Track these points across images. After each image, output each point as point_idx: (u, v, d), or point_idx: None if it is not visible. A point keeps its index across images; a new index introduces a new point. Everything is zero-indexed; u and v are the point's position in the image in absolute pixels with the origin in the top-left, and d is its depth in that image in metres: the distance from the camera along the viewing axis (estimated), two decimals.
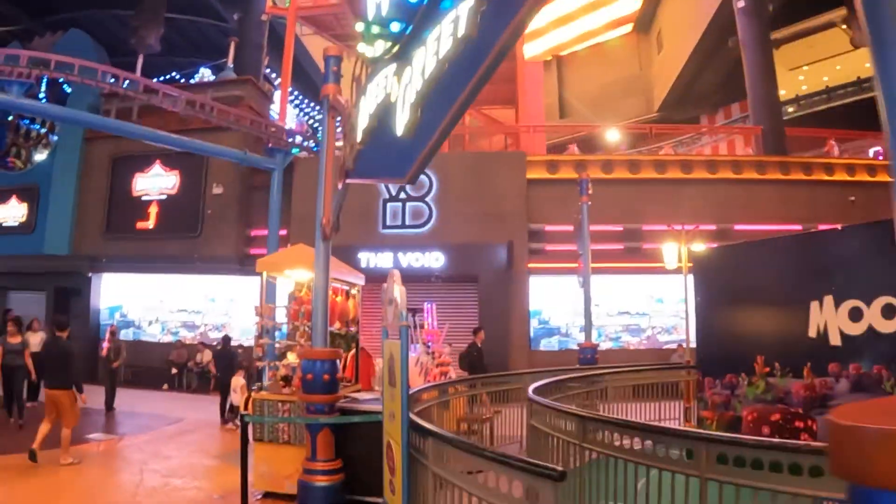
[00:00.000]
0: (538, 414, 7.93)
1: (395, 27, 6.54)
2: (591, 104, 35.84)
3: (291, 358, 10.99)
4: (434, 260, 19.61)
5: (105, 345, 15.62)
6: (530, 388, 8.76)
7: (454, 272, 19.56)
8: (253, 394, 10.38)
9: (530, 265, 20.06)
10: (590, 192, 16.40)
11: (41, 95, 26.79)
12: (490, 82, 5.61)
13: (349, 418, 8.55)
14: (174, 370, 20.64)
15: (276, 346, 11.29)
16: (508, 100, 28.29)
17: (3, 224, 24.55)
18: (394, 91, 6.39)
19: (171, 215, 21.67)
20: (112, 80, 17.66)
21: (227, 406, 14.50)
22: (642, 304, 20.82)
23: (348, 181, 8.40)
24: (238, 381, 12.98)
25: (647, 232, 19.89)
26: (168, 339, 21.46)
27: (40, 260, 22.79)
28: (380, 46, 6.91)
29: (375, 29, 7.33)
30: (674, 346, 19.39)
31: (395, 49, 6.67)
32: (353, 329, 11.88)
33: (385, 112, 6.69)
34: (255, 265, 19.88)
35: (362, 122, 7.52)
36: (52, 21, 29.04)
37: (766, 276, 8.96)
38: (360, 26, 7.62)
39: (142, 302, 21.99)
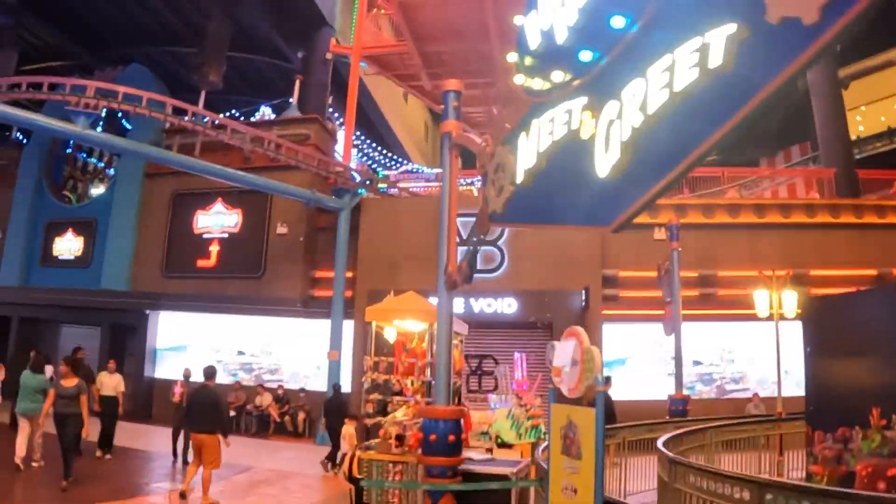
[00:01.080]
0: (680, 474, 7.29)
1: (586, 56, 5.92)
2: None
3: (400, 415, 10.43)
4: (507, 306, 19.06)
5: (178, 389, 14.64)
6: (660, 442, 8.22)
7: (527, 319, 18.98)
8: (360, 453, 9.82)
9: (604, 312, 19.43)
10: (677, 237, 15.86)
11: (99, 130, 26.77)
12: None
13: (485, 484, 7.94)
14: (232, 413, 20.08)
15: (371, 397, 10.74)
16: None
17: (59, 257, 24.36)
18: (586, 127, 5.81)
19: (233, 254, 21.29)
20: (176, 115, 17.51)
21: (335, 454, 14.07)
22: (715, 352, 20.11)
23: (494, 226, 7.77)
24: (349, 429, 12.29)
25: (721, 278, 19.28)
26: (227, 380, 20.89)
27: (97, 295, 22.49)
28: (556, 77, 6.35)
29: (528, 60, 6.83)
30: (742, 395, 18.87)
31: (577, 81, 6.09)
32: (457, 381, 11.22)
33: (568, 151, 6.11)
34: (319, 307, 19.77)
35: (523, 161, 6.95)
36: (108, 56, 29.13)
37: (881, 324, 8.42)
38: (512, 57, 7.11)
39: (199, 342, 21.50)
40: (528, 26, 6.83)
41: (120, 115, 23.43)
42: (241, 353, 21.36)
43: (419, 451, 9.51)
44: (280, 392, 20.20)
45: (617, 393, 19.55)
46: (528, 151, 6.85)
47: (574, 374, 5.45)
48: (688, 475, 6.98)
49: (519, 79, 6.92)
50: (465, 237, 19.28)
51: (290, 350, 20.78)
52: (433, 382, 10.23)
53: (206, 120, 18.03)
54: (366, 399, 10.48)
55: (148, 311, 21.80)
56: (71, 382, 10.96)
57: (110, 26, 30.03)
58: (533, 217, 7.65)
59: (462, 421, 9.05)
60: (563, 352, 5.63)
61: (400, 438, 9.92)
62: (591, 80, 5.79)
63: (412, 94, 25.74)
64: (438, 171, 24.80)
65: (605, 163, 5.31)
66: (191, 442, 10.81)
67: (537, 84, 6.59)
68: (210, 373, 11.17)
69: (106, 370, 14.44)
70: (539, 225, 7.70)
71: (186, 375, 15.10)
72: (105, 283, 22.47)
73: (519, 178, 7.02)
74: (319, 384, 19.65)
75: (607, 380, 14.21)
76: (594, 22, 5.94)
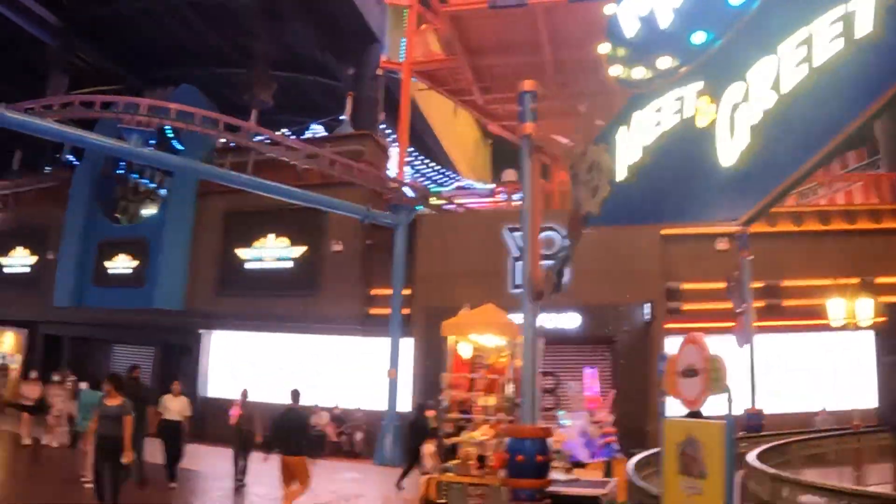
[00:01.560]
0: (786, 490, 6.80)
1: (699, 38, 5.51)
2: None
3: (478, 435, 10.02)
4: (569, 321, 18.61)
5: (234, 412, 13.96)
6: (750, 456, 7.73)
7: (589, 334, 18.52)
8: (438, 475, 9.43)
9: (667, 325, 18.89)
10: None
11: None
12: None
13: None
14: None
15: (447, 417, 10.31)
16: None
17: (112, 277, 24.37)
18: (703, 114, 5.39)
19: (288, 272, 21.10)
20: (229, 132, 17.44)
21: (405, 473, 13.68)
22: (781, 364, 19.45)
23: (588, 229, 7.32)
24: (430, 447, 11.89)
25: (786, 288, 18.69)
26: (280, 399, 20.61)
27: (150, 314, 22.43)
28: (662, 63, 5.93)
29: (622, 51, 6.47)
30: (808, 409, 18.32)
31: (687, 67, 5.67)
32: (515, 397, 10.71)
33: (681, 141, 5.69)
34: (376, 324, 19.45)
35: (624, 157, 6.53)
36: (156, 79, 29.32)
37: None
38: (604, 48, 6.76)
39: (253, 361, 21.28)
40: (623, 14, 6.46)
41: (171, 135, 23.55)
42: (296, 371, 21.07)
43: (502, 472, 9.10)
44: (337, 411, 19.90)
45: (681, 409, 18.96)
46: (630, 146, 6.47)
47: (695, 384, 5.05)
48: (795, 492, 6.49)
49: (615, 70, 6.54)
50: (518, 251, 19.12)
51: (346, 368, 20.47)
52: (517, 399, 9.84)
53: (259, 138, 17.85)
54: (445, 418, 10.04)
55: (201, 331, 21.69)
56: (115, 402, 9.75)
57: (157, 49, 30.29)
58: (636, 217, 7.25)
59: (550, 440, 8.65)
60: (686, 358, 5.19)
61: (481, 459, 9.52)
62: (706, 63, 5.39)
63: (464, 109, 25.45)
64: (491, 186, 24.57)
65: (730, 150, 4.91)
66: (280, 464, 10.56)
67: (638, 73, 6.22)
68: (296, 395, 11.18)
69: (170, 392, 13.36)
70: (644, 224, 7.30)
71: (244, 396, 14.57)
72: (158, 302, 22.38)
73: (620, 176, 6.63)
74: (376, 403, 19.33)
75: None
76: (706, 1, 5.57)
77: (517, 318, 18.33)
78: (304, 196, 18.41)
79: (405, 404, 18.74)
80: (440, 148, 29.22)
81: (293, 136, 24.76)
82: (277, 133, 22.61)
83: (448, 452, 10.11)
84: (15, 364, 26.41)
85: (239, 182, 18.18)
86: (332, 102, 27.46)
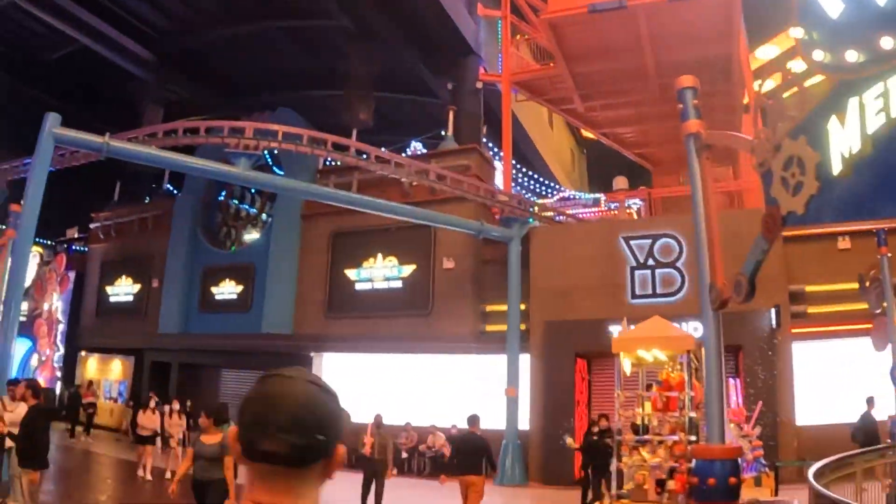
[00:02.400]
0: None
1: None
2: None
3: (647, 456, 9.39)
4: (693, 330, 17.67)
5: (368, 439, 13.03)
6: None
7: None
8: (613, 502, 8.81)
9: (793, 330, 17.88)
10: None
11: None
12: None
13: None
14: (404, 454, 19.41)
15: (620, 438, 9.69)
16: (724, 157, 26.42)
17: (218, 303, 24.48)
18: None
19: (399, 292, 20.75)
20: (337, 151, 17.25)
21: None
22: None
23: (785, 231, 6.65)
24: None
25: None
26: (396, 421, 20.19)
27: (258, 339, 22.39)
28: (886, 43, 5.33)
29: (819, 34, 5.88)
30: None
31: None
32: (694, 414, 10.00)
33: None
34: (491, 341, 18.92)
35: (839, 149, 5.88)
36: (250, 106, 29.55)
37: None
38: (797, 32, 6.18)
39: (366, 383, 20.95)
40: None
41: (270, 162, 23.63)
42: (409, 392, 20.69)
43: (684, 497, 8.47)
44: (454, 431, 19.38)
45: (808, 417, 17.85)
46: (847, 136, 5.81)
47: None
48: None
49: (817, 55, 5.97)
50: (639, 260, 18.40)
51: (461, 388, 19.94)
52: (693, 417, 9.19)
53: (366, 157, 17.62)
54: (624, 441, 9.40)
55: (312, 354, 21.50)
56: (213, 439, 8.25)
57: (249, 76, 30.63)
58: (856, 213, 6.56)
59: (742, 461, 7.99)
60: None
61: (661, 483, 8.89)
62: None
63: (564, 118, 24.93)
64: (596, 195, 23.90)
65: None
66: (459, 484, 10.94)
67: (851, 56, 5.62)
68: (473, 420, 11.71)
69: None
70: (865, 222, 6.63)
71: (378, 423, 13.82)
72: (266, 326, 22.33)
73: (835, 169, 5.97)
74: (494, 422, 18.76)
75: (870, 400, 12.75)
76: None
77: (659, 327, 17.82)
78: (416, 213, 18.08)
79: (524, 422, 18.19)
80: (539, 159, 28.70)
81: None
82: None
83: (621, 477, 9.50)
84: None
85: (349, 201, 17.95)
86: (429, 120, 27.19)
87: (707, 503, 7.31)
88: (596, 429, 12.78)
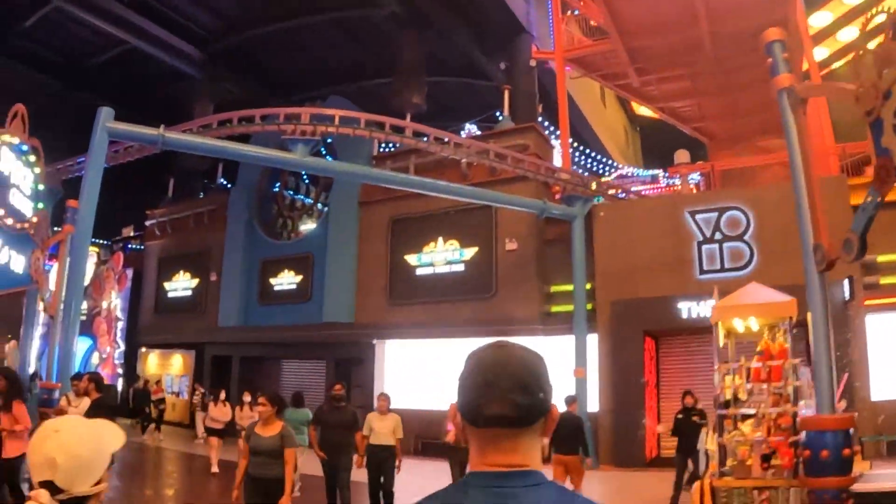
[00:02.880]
0: None
1: None
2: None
3: (746, 429, 9.01)
4: None
5: (451, 427, 12.47)
6: None
7: None
8: (713, 480, 8.45)
9: (866, 302, 17.25)
10: None
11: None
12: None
13: None
14: None
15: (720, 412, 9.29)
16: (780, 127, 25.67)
17: (278, 294, 24.51)
18: None
19: (460, 276, 20.47)
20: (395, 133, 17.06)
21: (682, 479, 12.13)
22: None
23: None
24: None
25: None
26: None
27: (319, 329, 22.34)
28: None
29: None
30: None
31: None
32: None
33: None
34: (557, 323, 18.62)
35: None
36: (299, 98, 29.53)
37: None
38: None
39: (429, 369, 20.80)
40: None
41: (324, 152, 23.56)
42: None
43: (791, 472, 8.08)
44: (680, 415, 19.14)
45: (883, 391, 17.18)
46: None
47: None
48: None
49: None
50: (705, 235, 17.92)
51: None
52: (798, 387, 8.79)
53: (426, 139, 17.35)
54: (727, 417, 9.00)
55: (374, 341, 21.40)
56: (272, 431, 7.00)
57: (298, 69, 30.57)
58: None
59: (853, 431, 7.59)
60: None
61: (766, 458, 8.49)
62: None
63: (619, 94, 24.46)
64: (654, 172, 23.39)
65: None
66: (552, 464, 11.00)
67: None
68: (571, 400, 11.86)
69: (375, 411, 10.94)
70: None
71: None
72: (328, 316, 22.26)
73: None
74: (562, 404, 18.46)
75: None
76: None
77: (709, 305, 17.33)
78: (479, 194, 17.79)
79: (594, 404, 17.84)
80: (594, 137, 28.24)
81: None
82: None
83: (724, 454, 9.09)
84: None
85: (410, 184, 17.76)
86: (481, 103, 26.89)
87: (821, 477, 6.94)
88: (681, 406, 12.48)
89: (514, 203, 17.98)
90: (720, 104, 24.34)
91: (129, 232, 34.93)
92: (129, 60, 30.55)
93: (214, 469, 15.67)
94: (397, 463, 10.48)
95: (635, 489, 14.98)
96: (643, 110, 28.64)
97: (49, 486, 1.91)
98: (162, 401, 23.93)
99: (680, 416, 12.36)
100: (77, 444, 2.00)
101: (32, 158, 14.46)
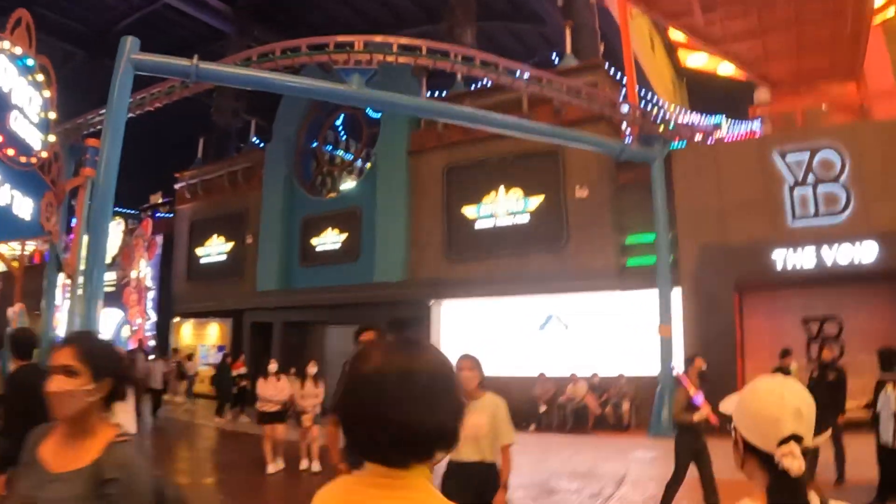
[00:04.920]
0: None
1: None
2: None
3: None
4: (863, 253, 15.47)
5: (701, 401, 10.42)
6: None
7: (890, 268, 15.32)
8: None
9: None
10: None
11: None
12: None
13: None
14: (543, 407, 17.71)
15: None
16: (847, 71, 23.95)
17: (320, 254, 23.03)
18: None
19: (527, 227, 18.84)
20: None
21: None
22: None
23: None
24: None
25: None
26: (528, 372, 18.42)
27: (369, 289, 20.84)
28: None
29: None
30: None
31: None
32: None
33: None
34: (635, 276, 17.04)
35: None
36: None
37: None
38: None
39: (493, 330, 19.27)
40: None
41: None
42: (543, 338, 18.92)
43: None
44: (596, 380, 17.61)
45: None
46: None
47: None
48: None
49: None
50: (797, 178, 16.24)
51: (603, 329, 18.09)
52: None
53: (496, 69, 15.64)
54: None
55: (431, 301, 19.88)
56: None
57: (335, 22, 28.86)
58: None
59: None
60: None
61: None
62: None
63: (680, 32, 22.58)
64: (716, 120, 21.67)
65: None
66: None
67: None
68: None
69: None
70: None
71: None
72: (378, 275, 20.77)
73: None
74: (642, 367, 16.92)
75: None
76: None
77: (806, 253, 15.64)
78: (553, 132, 16.07)
79: (679, 365, 16.26)
80: (647, 83, 26.47)
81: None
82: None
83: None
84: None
85: (477, 120, 15.88)
86: (537, 47, 25.21)
87: None
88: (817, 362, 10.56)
89: (590, 143, 16.26)
90: (788, 41, 22.67)
91: (157, 199, 33.53)
92: (154, 25, 29.08)
93: (273, 468, 11.78)
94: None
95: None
96: (690, 61, 27.02)
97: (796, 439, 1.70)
98: (245, 376, 20.50)
99: (815, 375, 10.33)
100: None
101: (40, 78, 12.28)
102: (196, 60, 13.12)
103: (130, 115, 16.82)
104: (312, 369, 12.66)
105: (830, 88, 25.34)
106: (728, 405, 1.88)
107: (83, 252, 12.25)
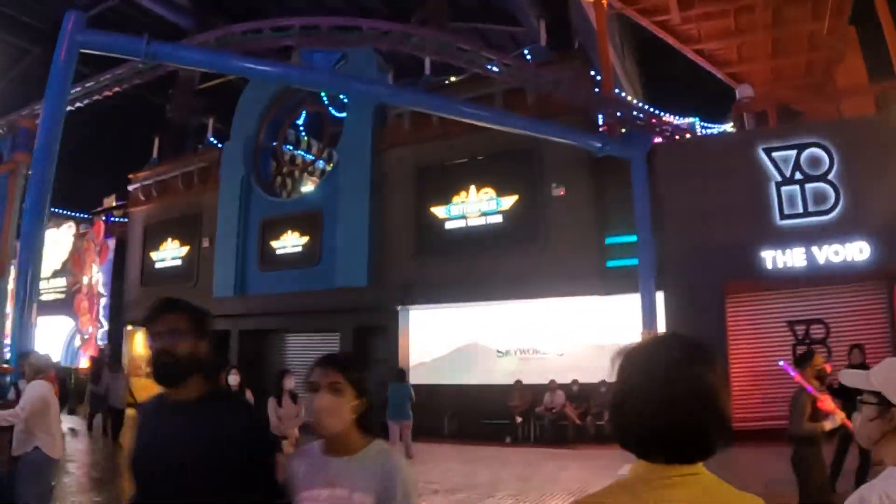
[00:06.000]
0: None
1: None
2: None
3: None
4: (858, 252, 14.76)
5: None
6: None
7: (881, 268, 14.63)
8: None
9: None
10: None
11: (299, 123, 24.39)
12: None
13: None
14: (518, 418, 16.67)
15: None
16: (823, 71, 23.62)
17: (279, 258, 21.77)
18: None
19: (502, 228, 17.83)
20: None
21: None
22: None
23: None
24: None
25: None
26: (504, 379, 17.40)
27: (331, 295, 19.63)
28: None
29: None
30: None
31: None
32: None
33: None
34: (615, 278, 16.12)
35: None
36: None
37: None
38: None
39: (465, 337, 18.20)
40: None
41: (326, 102, 20.90)
42: (520, 344, 17.92)
43: None
44: (575, 388, 16.62)
45: None
46: None
47: None
48: None
49: None
50: (784, 175, 15.47)
51: (582, 335, 17.12)
52: None
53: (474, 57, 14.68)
54: None
55: (398, 307, 18.73)
56: None
57: (299, 13, 27.79)
58: None
59: None
60: None
61: None
62: None
63: (656, 32, 21.86)
64: (690, 119, 21.01)
65: None
66: None
67: None
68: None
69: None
70: None
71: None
72: (340, 280, 19.58)
73: None
74: None
75: None
76: None
77: (795, 253, 14.85)
78: (531, 125, 15.06)
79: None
80: (621, 85, 25.75)
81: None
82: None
83: None
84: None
85: (443, 108, 14.89)
86: (498, 46, 24.32)
87: None
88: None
89: (571, 137, 15.28)
90: (764, 42, 22.27)
91: (110, 202, 31.90)
92: (111, 21, 27.63)
93: None
94: None
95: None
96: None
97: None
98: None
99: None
100: None
101: None
102: (147, 38, 12.05)
103: (79, 104, 15.65)
104: (290, 383, 10.19)
105: (806, 87, 24.91)
106: (854, 378, 1.92)
107: (15, 245, 11.00)
